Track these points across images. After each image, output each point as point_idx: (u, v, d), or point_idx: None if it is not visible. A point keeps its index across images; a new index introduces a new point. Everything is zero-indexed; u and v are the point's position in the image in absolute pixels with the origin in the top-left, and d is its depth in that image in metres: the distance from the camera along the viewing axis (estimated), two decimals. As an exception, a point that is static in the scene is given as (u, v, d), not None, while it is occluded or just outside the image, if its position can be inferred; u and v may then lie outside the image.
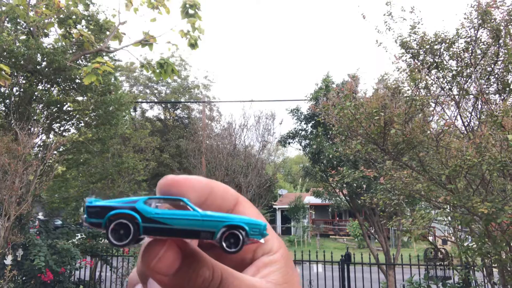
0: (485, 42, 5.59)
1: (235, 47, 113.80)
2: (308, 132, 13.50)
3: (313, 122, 12.97)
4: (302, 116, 13.62)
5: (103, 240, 9.77)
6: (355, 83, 10.14)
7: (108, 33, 9.31)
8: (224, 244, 0.34)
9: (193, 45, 7.52)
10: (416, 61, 5.96)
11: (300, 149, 14.37)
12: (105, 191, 15.20)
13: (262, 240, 0.36)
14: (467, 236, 6.88)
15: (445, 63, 5.86)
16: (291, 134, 13.90)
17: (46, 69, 9.12)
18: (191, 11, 7.13)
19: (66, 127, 10.89)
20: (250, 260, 0.42)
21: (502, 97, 5.56)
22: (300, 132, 13.72)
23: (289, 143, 14.19)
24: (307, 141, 13.30)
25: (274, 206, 33.33)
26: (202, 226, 0.34)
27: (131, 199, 0.34)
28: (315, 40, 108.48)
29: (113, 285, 9.42)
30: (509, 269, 5.05)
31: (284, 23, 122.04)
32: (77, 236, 9.60)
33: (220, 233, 0.34)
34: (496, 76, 5.60)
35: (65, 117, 10.51)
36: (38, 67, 9.02)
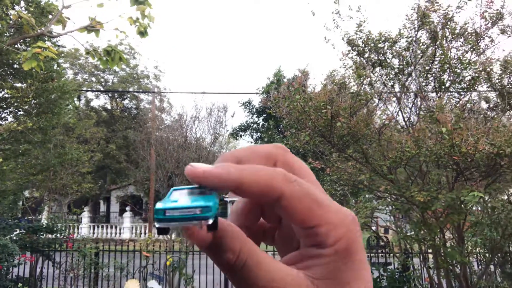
0: (424, 43, 5.98)
1: (187, 38, 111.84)
2: (260, 125, 13.68)
3: (264, 115, 13.15)
4: (254, 109, 13.77)
5: (44, 235, 9.29)
6: (305, 78, 10.39)
7: (50, 16, 8.77)
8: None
9: (142, 33, 7.28)
10: (361, 58, 6.24)
11: (251, 142, 14.51)
12: (47, 183, 14.41)
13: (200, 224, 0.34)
14: (406, 225, 7.37)
15: (388, 61, 6.20)
16: (242, 127, 14.02)
17: (-20, 52, 8.44)
18: (141, -2, 6.91)
19: (3, 115, 10.17)
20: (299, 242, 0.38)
21: (438, 95, 5.99)
22: (252, 125, 13.87)
23: (240, 136, 14.32)
24: (259, 134, 13.49)
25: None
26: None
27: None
28: (267, 35, 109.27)
29: (55, 281, 9.00)
30: (442, 253, 5.47)
31: (237, 16, 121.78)
32: (15, 231, 9.03)
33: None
34: (433, 75, 6.02)
35: (2, 104, 9.81)
36: (-30, 49, 8.32)
